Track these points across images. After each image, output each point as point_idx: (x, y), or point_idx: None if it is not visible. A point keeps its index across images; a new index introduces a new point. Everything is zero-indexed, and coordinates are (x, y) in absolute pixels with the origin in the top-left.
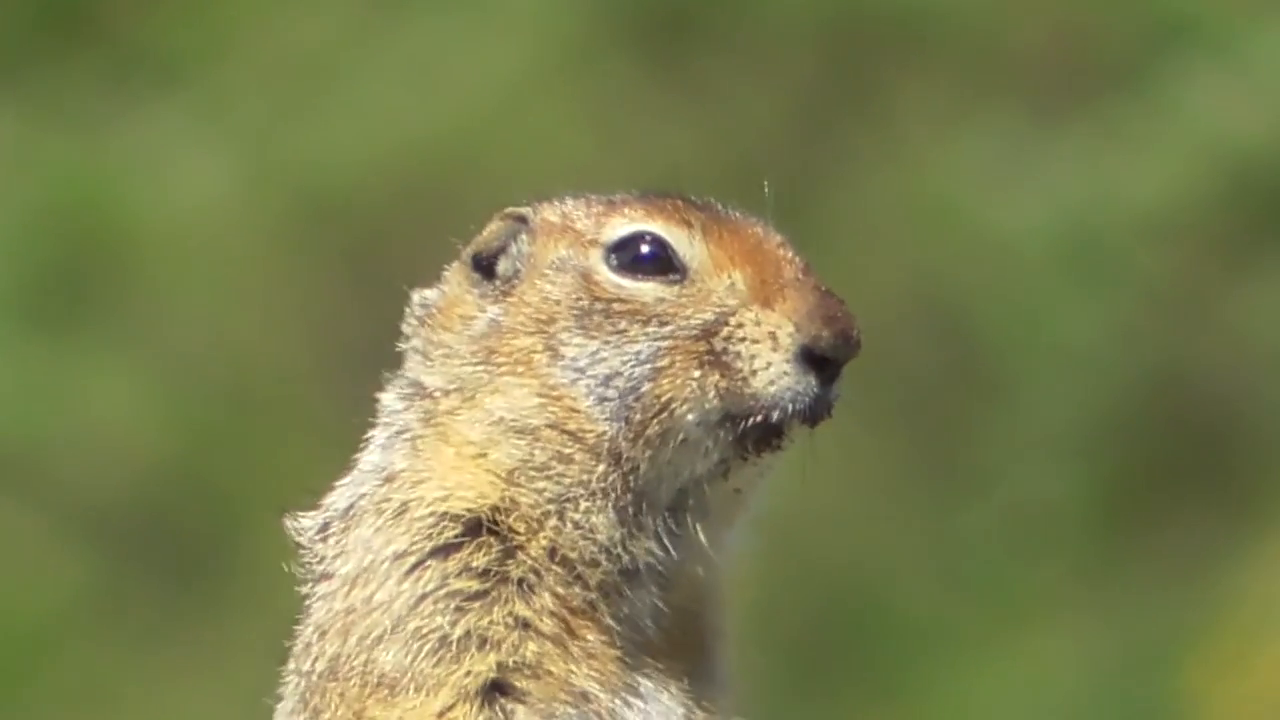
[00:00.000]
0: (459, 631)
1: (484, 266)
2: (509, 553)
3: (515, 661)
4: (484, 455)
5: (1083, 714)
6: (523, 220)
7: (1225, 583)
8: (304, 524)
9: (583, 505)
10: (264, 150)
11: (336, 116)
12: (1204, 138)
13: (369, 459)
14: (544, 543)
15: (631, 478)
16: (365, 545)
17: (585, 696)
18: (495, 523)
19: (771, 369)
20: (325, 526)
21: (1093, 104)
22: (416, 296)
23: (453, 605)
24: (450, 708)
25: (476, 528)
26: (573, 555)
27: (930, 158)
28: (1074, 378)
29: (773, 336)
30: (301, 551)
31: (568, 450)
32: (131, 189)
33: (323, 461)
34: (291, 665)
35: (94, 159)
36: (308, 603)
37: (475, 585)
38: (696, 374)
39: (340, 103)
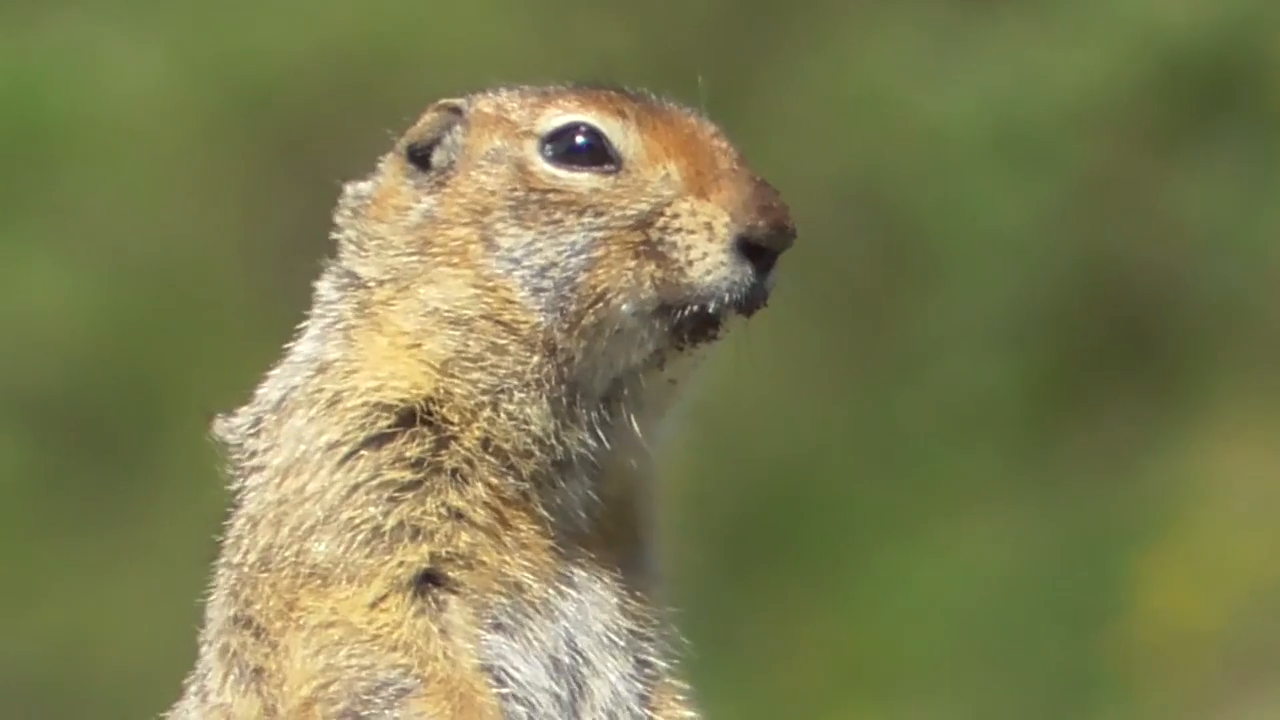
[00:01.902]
0: (392, 522)
1: (419, 158)
2: (442, 443)
3: (448, 552)
4: (418, 346)
5: (1018, 600)
6: (457, 111)
7: (1160, 468)
8: (235, 422)
9: (516, 396)
10: (196, 41)
11: (269, 7)
12: (1134, 24)
13: (302, 349)
14: (477, 433)
15: (566, 369)
16: (298, 436)
17: (519, 586)
18: (429, 413)
19: (708, 259)
20: (257, 421)
21: None
22: (350, 189)
23: (385, 495)
24: (383, 598)
25: (410, 418)
26: (506, 446)
27: (861, 47)
28: (1006, 265)
29: (709, 227)
30: (232, 448)
31: (502, 341)
32: (63, 80)
33: (254, 350)
34: (222, 559)
35: (26, 50)
36: (239, 495)
37: (408, 475)
38: (632, 264)
39: None
